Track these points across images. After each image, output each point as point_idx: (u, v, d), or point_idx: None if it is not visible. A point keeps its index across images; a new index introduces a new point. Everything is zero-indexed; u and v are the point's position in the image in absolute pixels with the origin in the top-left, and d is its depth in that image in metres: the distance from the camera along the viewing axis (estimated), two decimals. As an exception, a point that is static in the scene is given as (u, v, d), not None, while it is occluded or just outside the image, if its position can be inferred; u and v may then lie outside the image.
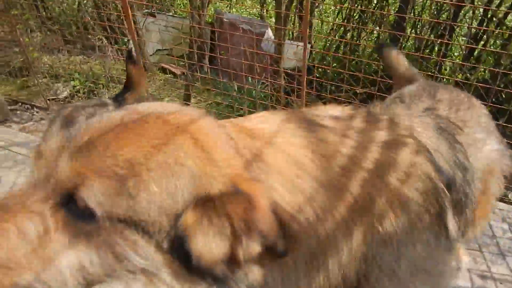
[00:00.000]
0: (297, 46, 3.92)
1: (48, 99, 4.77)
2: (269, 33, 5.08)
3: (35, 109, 4.72)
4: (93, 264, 0.71)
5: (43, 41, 5.69)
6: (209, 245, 0.71)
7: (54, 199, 0.70)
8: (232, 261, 0.72)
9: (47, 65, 5.17)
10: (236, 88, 4.54)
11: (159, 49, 5.60)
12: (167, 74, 5.37)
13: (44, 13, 6.01)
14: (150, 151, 0.70)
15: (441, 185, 0.96)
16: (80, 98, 4.81)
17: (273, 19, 5.59)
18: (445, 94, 1.43)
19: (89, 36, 5.55)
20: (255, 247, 0.71)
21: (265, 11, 6.00)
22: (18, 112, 4.65)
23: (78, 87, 4.93)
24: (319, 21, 5.32)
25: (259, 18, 6.00)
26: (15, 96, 4.95)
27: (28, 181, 0.74)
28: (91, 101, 2.81)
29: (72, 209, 0.70)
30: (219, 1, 6.13)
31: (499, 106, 3.24)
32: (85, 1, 5.84)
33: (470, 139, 1.25)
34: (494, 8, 4.26)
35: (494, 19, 4.22)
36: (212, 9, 6.19)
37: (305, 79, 3.39)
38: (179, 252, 0.72)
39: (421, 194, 0.91)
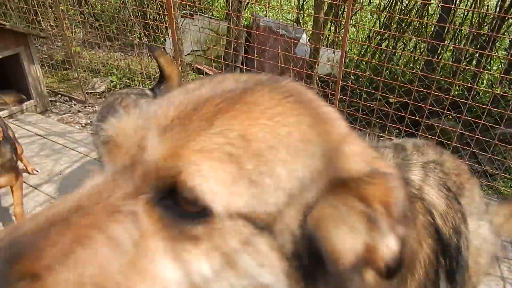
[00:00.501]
0: (333, 52, 3.90)
1: (86, 93, 4.95)
2: (304, 38, 5.10)
3: (73, 101, 4.91)
4: (204, 278, 0.54)
5: (85, 36, 5.92)
6: (348, 240, 0.55)
7: (147, 194, 0.54)
8: (367, 261, 0.58)
9: (87, 60, 5.37)
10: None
11: (194, 50, 5.71)
12: (201, 74, 5.47)
13: (87, 9, 6.25)
14: (267, 124, 0.55)
15: (439, 252, 0.89)
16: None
17: (308, 25, 5.60)
18: (447, 156, 1.38)
19: (128, 34, 5.74)
20: (393, 243, 0.56)
21: (303, 15, 6.02)
22: (57, 103, 4.84)
23: (115, 82, 5.09)
24: (355, 28, 5.29)
25: (294, 23, 6.03)
26: (55, 88, 5.16)
27: (104, 174, 0.58)
28: (133, 89, 2.93)
29: (172, 205, 0.54)
30: (256, 4, 6.19)
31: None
32: None
33: (467, 209, 1.18)
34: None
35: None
36: (249, 13, 6.27)
37: (340, 85, 3.38)
38: (303, 257, 0.56)
39: (421, 261, 0.83)
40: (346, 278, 0.57)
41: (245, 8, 5.54)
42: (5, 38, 3.91)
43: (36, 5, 5.23)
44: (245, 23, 5.89)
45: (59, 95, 5.01)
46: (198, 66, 5.46)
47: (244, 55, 5.46)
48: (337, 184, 0.57)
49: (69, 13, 5.56)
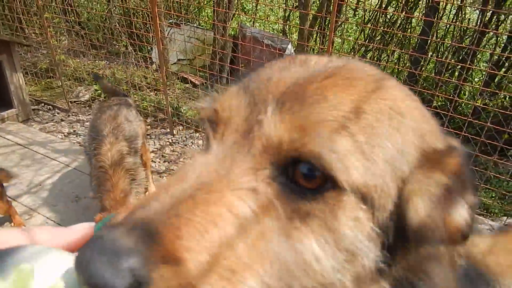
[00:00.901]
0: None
1: (70, 101, 4.89)
2: (291, 49, 5.14)
3: (56, 110, 4.84)
4: (316, 257, 0.53)
5: (70, 44, 5.87)
6: (433, 211, 0.57)
7: (266, 169, 0.53)
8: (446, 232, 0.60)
9: (72, 68, 5.32)
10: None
11: (180, 59, 5.71)
12: (187, 83, 5.46)
13: (73, 17, 6.22)
14: (371, 98, 0.56)
15: None
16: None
17: (296, 35, 5.65)
18: None
19: (114, 42, 5.71)
20: (466, 212, 0.59)
21: (288, 27, 6.07)
22: (40, 112, 4.77)
23: (99, 91, 5.05)
24: (341, 39, 5.35)
25: (281, 34, 6.08)
26: (39, 96, 5.09)
27: (212, 151, 0.56)
28: (119, 99, 3.00)
29: (286, 182, 0.53)
30: (243, 14, 6.23)
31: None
32: (114, 8, 6.03)
33: None
34: (519, 36, 4.23)
35: (518, 46, 4.18)
36: (236, 23, 6.30)
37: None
38: (389, 233, 0.56)
39: None
40: (426, 255, 0.58)
41: (232, 18, 5.57)
42: (-14, 46, 3.86)
43: (21, 13, 5.18)
44: (232, 33, 5.92)
45: (42, 104, 4.94)
46: (184, 75, 5.46)
47: (229, 65, 5.48)
48: (426, 158, 0.58)
49: (54, 21, 5.51)
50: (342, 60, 0.65)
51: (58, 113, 4.79)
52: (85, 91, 5.10)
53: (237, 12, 6.02)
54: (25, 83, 4.45)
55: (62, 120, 4.61)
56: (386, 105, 0.57)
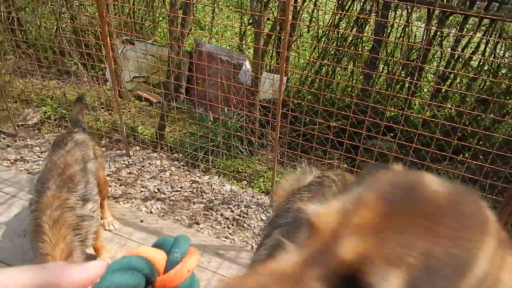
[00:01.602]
0: (273, 80, 3.98)
1: (17, 125, 4.63)
2: (247, 65, 5.17)
3: (1, 135, 4.56)
4: None
5: (16, 64, 5.58)
6: None
7: (328, 279, 0.60)
8: None
9: (19, 89, 5.05)
10: (211, 119, 4.54)
11: (136, 76, 5.58)
12: (142, 101, 5.34)
13: (20, 35, 5.93)
14: (450, 244, 0.58)
15: None
16: (50, 125, 4.69)
17: (252, 51, 5.70)
18: None
19: (65, 61, 5.49)
20: None
21: (243, 44, 6.11)
22: (-16, 137, 4.47)
23: (49, 113, 4.82)
24: (296, 55, 5.45)
25: (238, 50, 6.10)
26: (-18, 120, 4.78)
27: (299, 251, 0.64)
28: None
29: None
30: (199, 30, 6.21)
31: (464, 143, 3.34)
32: (64, 26, 5.80)
33: None
34: (459, 53, 4.50)
35: (461, 59, 4.44)
36: (192, 38, 6.26)
37: (280, 112, 3.44)
38: None
39: None
40: None
41: (187, 35, 5.53)
42: None
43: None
44: (188, 49, 5.87)
45: (-14, 128, 4.63)
46: (140, 93, 5.33)
47: (185, 84, 5.43)
48: None
49: (-3, 40, 5.23)
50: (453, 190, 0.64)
51: (3, 138, 4.51)
52: (34, 113, 4.84)
53: (192, 30, 5.99)
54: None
55: (8, 146, 4.34)
56: (471, 258, 0.57)
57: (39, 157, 4.14)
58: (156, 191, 3.59)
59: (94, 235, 2.31)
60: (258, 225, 3.26)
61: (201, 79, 4.86)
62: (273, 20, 4.81)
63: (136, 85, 5.55)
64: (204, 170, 3.94)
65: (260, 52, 3.93)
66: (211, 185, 3.71)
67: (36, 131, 4.66)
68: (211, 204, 3.47)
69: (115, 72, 4.02)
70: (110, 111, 4.96)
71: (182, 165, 4.00)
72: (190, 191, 3.63)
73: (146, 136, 4.47)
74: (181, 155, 4.09)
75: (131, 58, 4.64)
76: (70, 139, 2.57)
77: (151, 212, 3.34)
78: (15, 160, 4.07)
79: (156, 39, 6.55)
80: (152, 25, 6.65)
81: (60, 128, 4.64)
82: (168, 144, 4.24)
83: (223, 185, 3.71)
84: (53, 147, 2.55)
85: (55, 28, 5.96)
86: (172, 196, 3.55)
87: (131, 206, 3.37)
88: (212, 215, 3.33)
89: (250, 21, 6.15)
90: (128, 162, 4.00)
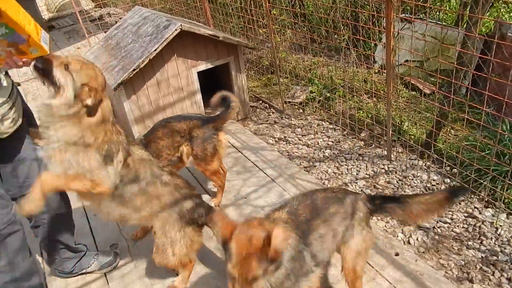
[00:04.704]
0: None
1: (285, 102, 4.79)
2: None
3: (271, 109, 4.83)
4: None
5: (292, 39, 5.79)
6: None
7: None
8: None
9: (291, 66, 5.21)
10: (508, 127, 3.41)
11: (408, 60, 4.84)
12: (413, 90, 4.59)
13: (299, 9, 6.10)
14: None
15: None
16: (313, 107, 4.63)
17: None
18: None
19: (336, 36, 5.29)
20: None
21: None
22: (257, 110, 4.85)
23: (314, 94, 4.76)
24: None
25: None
26: (258, 93, 5.21)
27: None
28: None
29: None
30: (505, 6, 4.78)
31: None
32: (339, -2, 5.60)
33: None
34: None
35: None
36: (491, 17, 4.90)
37: None
38: None
39: None
40: None
41: (488, 10, 4.29)
42: (218, 49, 4.02)
43: (250, 14, 5.33)
44: (484, 30, 4.62)
45: (260, 101, 5.02)
46: (412, 81, 4.59)
47: (475, 72, 4.28)
48: None
49: (279, 18, 5.49)
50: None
51: (273, 113, 4.76)
52: (301, 92, 4.90)
53: (497, 2, 4.63)
54: (247, 80, 4.54)
55: (275, 122, 4.55)
56: None
57: (299, 139, 4.15)
58: (418, 215, 2.94)
59: None
60: None
61: (500, 71, 3.69)
62: None
63: (408, 70, 4.82)
64: (487, 200, 2.97)
65: None
66: (496, 228, 2.74)
67: (300, 110, 4.71)
68: (494, 257, 2.55)
69: (391, 52, 3.35)
70: (375, 99, 4.48)
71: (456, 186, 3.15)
72: (463, 228, 2.79)
73: (412, 137, 3.78)
74: (456, 169, 3.22)
75: (409, 35, 3.91)
76: (349, 198, 1.95)
77: (408, 243, 2.74)
78: (279, 139, 4.20)
79: (440, 15, 5.49)
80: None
81: (321, 112, 4.51)
82: (441, 152, 3.42)
83: (516, 232, 2.69)
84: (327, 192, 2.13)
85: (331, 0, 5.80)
86: (438, 228, 2.81)
87: (385, 227, 2.87)
88: (493, 275, 2.43)
89: None
90: (388, 167, 3.46)
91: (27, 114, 2.15)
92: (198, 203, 2.33)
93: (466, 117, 3.12)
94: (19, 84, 2.15)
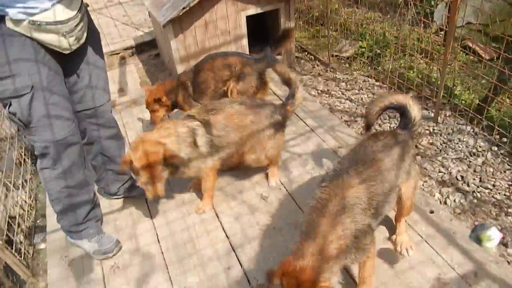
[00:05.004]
0: None
1: (332, 55, 4.66)
2: None
3: (317, 62, 4.72)
4: None
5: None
6: None
7: None
8: None
9: (342, 18, 5.00)
10: None
11: (470, 22, 4.52)
12: (469, 55, 4.32)
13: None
14: None
15: None
16: (361, 63, 4.48)
17: None
18: None
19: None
20: None
21: None
22: (302, 61, 4.76)
23: (363, 49, 4.59)
24: None
25: None
26: (304, 44, 5.08)
27: None
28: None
29: None
30: None
31: None
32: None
33: None
34: None
35: None
36: None
37: None
38: None
39: None
40: None
41: None
42: (268, -7, 3.92)
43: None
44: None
45: (306, 53, 4.91)
46: (471, 44, 4.31)
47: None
48: None
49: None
50: None
51: (317, 65, 4.67)
52: (349, 46, 4.74)
53: None
54: (295, 29, 4.43)
55: (319, 74, 4.46)
56: None
57: (343, 94, 4.07)
58: (459, 178, 2.87)
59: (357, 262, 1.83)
60: None
61: None
62: None
63: (468, 33, 4.51)
64: (534, 172, 2.85)
65: None
66: (540, 199, 2.64)
67: (347, 65, 4.58)
68: (534, 226, 2.48)
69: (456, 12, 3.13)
70: (428, 60, 4.26)
71: (504, 155, 3.02)
72: (505, 195, 2.71)
73: (463, 102, 3.61)
74: (505, 139, 3.08)
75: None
76: (394, 137, 2.01)
77: (445, 203, 2.70)
78: (322, 91, 4.14)
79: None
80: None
81: (369, 68, 4.37)
82: (492, 120, 3.26)
83: (561, 205, 2.58)
84: (372, 135, 2.09)
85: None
86: (478, 192, 2.75)
87: (422, 186, 2.83)
88: (531, 244, 2.38)
89: None
90: (433, 129, 3.35)
91: (92, 33, 2.22)
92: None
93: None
94: (87, 5, 2.22)
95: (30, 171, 3.49)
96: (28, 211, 3.12)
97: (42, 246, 2.93)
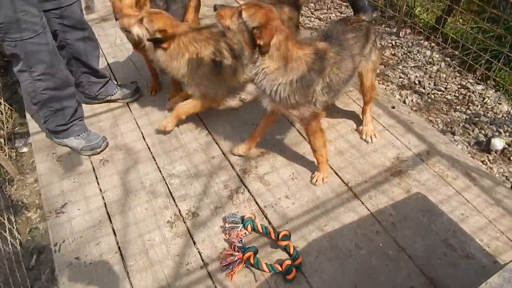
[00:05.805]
0: None
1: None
2: None
3: None
4: None
5: None
6: None
7: None
8: None
9: None
10: (514, 18, 3.52)
11: None
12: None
13: None
14: None
15: None
16: None
17: None
18: None
19: None
20: None
21: None
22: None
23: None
24: None
25: None
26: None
27: None
28: None
29: None
30: None
31: None
32: None
33: None
34: None
35: None
36: None
37: None
38: None
39: None
40: None
41: None
42: None
43: None
44: None
45: None
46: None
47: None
48: None
49: None
50: None
51: None
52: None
53: None
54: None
55: None
56: None
57: (312, 13, 4.21)
58: (416, 82, 3.20)
59: None
60: (529, 166, 2.57)
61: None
62: None
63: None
64: (480, 78, 3.22)
65: None
66: (484, 99, 3.04)
67: None
68: (476, 119, 2.88)
69: None
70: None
71: (455, 64, 3.37)
72: (454, 96, 3.08)
73: (422, 20, 3.89)
74: (457, 52, 3.42)
75: None
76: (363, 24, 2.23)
77: (404, 102, 3.04)
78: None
79: None
80: None
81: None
82: (447, 35, 3.57)
83: (499, 103, 2.99)
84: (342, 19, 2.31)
85: None
86: (433, 93, 3.10)
87: (385, 89, 3.14)
88: (473, 131, 2.79)
89: None
90: (395, 42, 3.63)
91: None
92: None
93: (476, 9, 3.21)
94: None
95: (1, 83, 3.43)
96: (5, 119, 3.13)
97: (25, 149, 2.98)
